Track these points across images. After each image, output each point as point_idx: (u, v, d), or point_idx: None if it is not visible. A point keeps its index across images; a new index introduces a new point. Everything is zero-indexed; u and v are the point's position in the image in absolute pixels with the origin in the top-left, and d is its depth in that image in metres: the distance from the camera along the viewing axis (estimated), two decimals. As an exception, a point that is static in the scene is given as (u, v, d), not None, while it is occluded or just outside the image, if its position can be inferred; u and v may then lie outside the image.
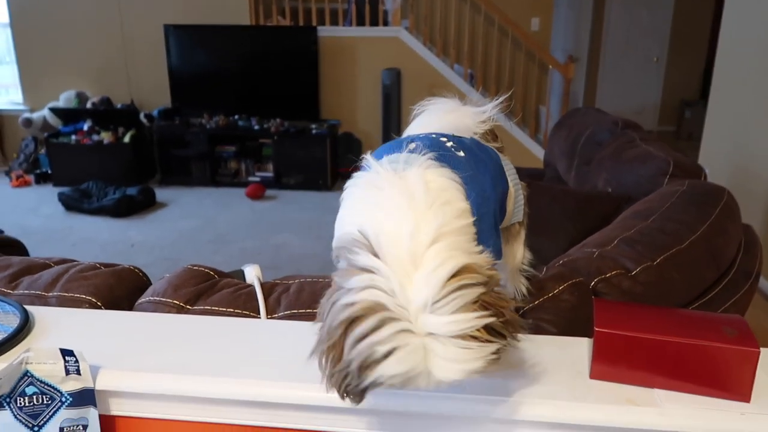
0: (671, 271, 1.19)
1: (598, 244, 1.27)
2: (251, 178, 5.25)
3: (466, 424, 0.73)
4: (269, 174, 5.26)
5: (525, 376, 0.76)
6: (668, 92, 7.48)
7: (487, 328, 0.57)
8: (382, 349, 0.54)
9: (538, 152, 5.18)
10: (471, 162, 0.75)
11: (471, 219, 0.65)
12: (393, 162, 0.68)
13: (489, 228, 0.72)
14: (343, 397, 0.61)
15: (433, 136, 0.78)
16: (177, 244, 4.00)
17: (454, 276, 0.56)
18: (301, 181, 5.14)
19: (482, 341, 0.56)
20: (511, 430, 0.73)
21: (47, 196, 4.83)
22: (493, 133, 0.93)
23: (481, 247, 0.63)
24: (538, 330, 0.98)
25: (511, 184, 0.83)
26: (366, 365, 0.55)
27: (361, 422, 0.76)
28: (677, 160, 1.86)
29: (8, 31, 5.50)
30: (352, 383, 0.58)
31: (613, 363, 0.73)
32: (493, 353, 0.57)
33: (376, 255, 0.57)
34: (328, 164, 5.08)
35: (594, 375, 0.74)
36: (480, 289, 0.57)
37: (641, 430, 0.69)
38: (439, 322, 0.55)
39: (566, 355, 0.81)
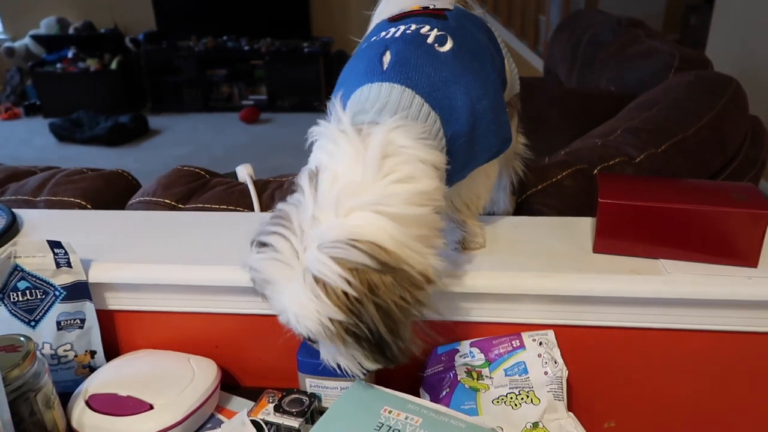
0: (676, 158, 1.15)
1: (601, 134, 1.23)
2: (245, 102, 5.13)
3: (466, 301, 0.72)
4: (263, 97, 5.13)
5: (527, 252, 0.74)
6: (673, -3, 7.17)
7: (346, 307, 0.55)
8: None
9: (538, 64, 5.02)
10: (461, 50, 0.67)
11: (428, 206, 0.58)
12: (360, 113, 0.62)
13: (488, 122, 0.66)
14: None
15: (413, 27, 0.68)
16: (173, 170, 3.95)
17: (357, 240, 0.54)
18: (295, 103, 5.02)
19: (341, 308, 0.54)
20: (516, 305, 0.72)
21: (38, 128, 4.73)
22: (465, 3, 0.85)
23: (429, 250, 0.58)
24: (539, 215, 0.95)
25: (504, 56, 0.78)
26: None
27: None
28: (683, 53, 1.79)
29: (-21, -45, 5.21)
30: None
31: (617, 236, 0.71)
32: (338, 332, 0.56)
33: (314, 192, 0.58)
34: (322, 84, 4.94)
35: (597, 249, 0.73)
36: (369, 264, 0.54)
37: (645, 299, 0.68)
38: (314, 257, 0.54)
39: (569, 233, 0.79)
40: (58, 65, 4.95)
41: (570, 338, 0.72)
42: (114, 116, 4.53)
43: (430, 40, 0.66)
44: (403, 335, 0.57)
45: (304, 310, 0.56)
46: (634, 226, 0.69)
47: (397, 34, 0.67)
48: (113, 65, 4.94)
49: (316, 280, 0.54)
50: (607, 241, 0.72)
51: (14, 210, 0.88)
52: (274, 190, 0.98)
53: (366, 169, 0.57)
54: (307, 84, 4.96)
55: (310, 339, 0.61)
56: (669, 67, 1.77)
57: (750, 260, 0.67)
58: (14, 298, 0.73)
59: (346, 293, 0.54)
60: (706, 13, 5.46)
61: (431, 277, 0.58)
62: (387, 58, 0.64)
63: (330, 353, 0.62)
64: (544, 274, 0.69)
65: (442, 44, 0.66)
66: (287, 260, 0.57)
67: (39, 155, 4.25)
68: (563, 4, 5.08)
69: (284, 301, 0.58)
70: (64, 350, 0.76)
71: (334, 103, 0.63)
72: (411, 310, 0.57)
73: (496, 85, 0.72)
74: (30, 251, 0.72)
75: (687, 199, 0.68)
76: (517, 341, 0.71)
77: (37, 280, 0.73)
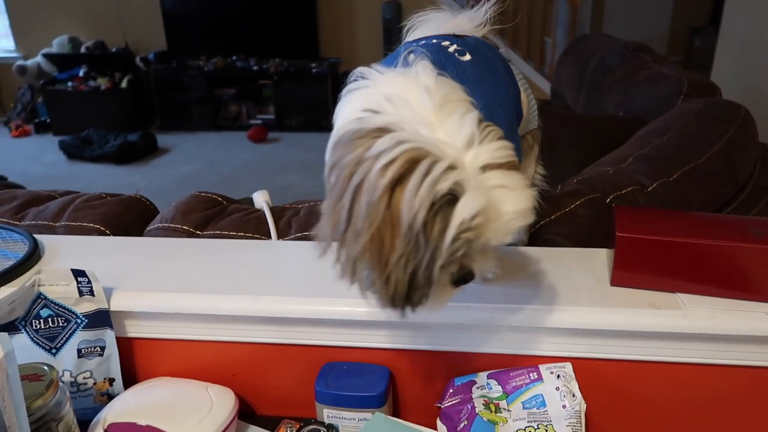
0: (688, 186, 1.16)
1: (612, 162, 1.24)
2: (252, 121, 5.17)
3: (485, 333, 0.73)
4: (271, 116, 5.17)
5: (544, 285, 0.75)
6: (678, 20, 7.22)
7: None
8: (444, 187, 0.48)
9: (544, 85, 5.06)
10: (480, 65, 0.71)
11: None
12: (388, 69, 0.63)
13: (510, 129, 0.69)
14: (406, 302, 0.53)
15: (434, 41, 0.73)
16: (182, 189, 3.98)
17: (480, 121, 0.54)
18: (303, 122, 5.06)
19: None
20: (534, 338, 0.72)
21: (48, 145, 4.77)
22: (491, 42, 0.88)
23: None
24: (553, 245, 0.96)
25: (522, 88, 0.80)
26: (435, 215, 0.48)
27: (378, 336, 0.75)
28: (691, 79, 1.80)
29: (-6, -24, 5.31)
30: (423, 260, 0.50)
31: (635, 269, 0.71)
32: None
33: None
34: (330, 104, 4.98)
35: (615, 282, 0.73)
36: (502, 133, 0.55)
37: (664, 333, 0.68)
38: (489, 150, 0.51)
39: (585, 264, 0.80)
40: (69, 83, 5.01)
41: (588, 371, 0.72)
42: (123, 134, 4.57)
43: (450, 50, 0.70)
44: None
45: (527, 204, 0.54)
46: (651, 260, 0.70)
47: (421, 43, 0.70)
48: (123, 84, 5.00)
49: (505, 167, 0.52)
50: (624, 275, 0.72)
51: (35, 236, 0.89)
52: (290, 217, 0.99)
53: (419, 86, 0.56)
54: (314, 104, 5.00)
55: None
56: (677, 93, 1.78)
57: (767, 296, 0.68)
58: (36, 326, 0.74)
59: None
60: (711, 35, 5.50)
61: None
62: (411, 57, 0.64)
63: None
64: (563, 307, 0.70)
65: (462, 55, 0.70)
66: (477, 185, 0.50)
67: (48, 172, 4.29)
68: (569, 27, 5.14)
69: (504, 217, 0.52)
70: (84, 378, 0.76)
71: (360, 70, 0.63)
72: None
73: (510, 107, 0.74)
74: (54, 279, 0.73)
75: (704, 234, 0.68)
76: (535, 374, 0.72)
77: (60, 308, 0.74)
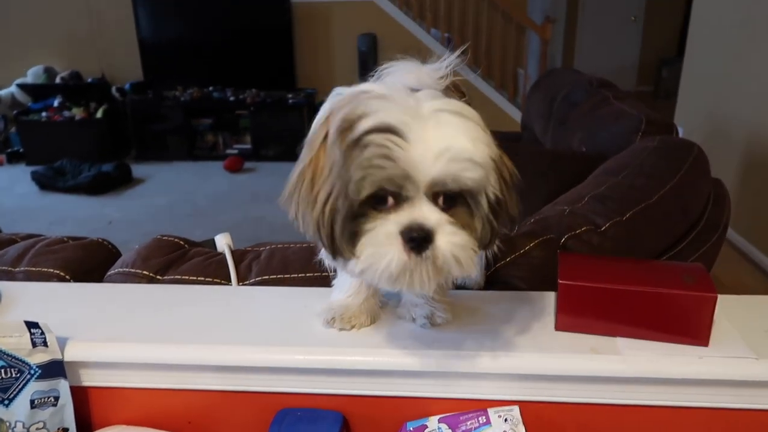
0: (640, 225, 1.20)
1: (569, 201, 1.28)
2: (229, 151, 5.19)
3: (436, 378, 0.75)
4: (247, 146, 5.19)
5: (492, 330, 0.77)
6: (646, 51, 7.47)
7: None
8: (366, 124, 0.56)
9: (517, 116, 5.17)
10: None
11: None
12: None
13: None
14: (340, 247, 0.59)
15: None
16: (156, 220, 3.96)
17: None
18: (279, 152, 5.09)
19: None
20: (482, 383, 0.74)
21: (20, 176, 4.72)
22: (457, 89, 0.92)
23: None
24: (508, 287, 0.99)
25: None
26: (353, 150, 0.56)
27: (333, 382, 0.77)
28: (649, 117, 1.87)
29: (-31, 6, 5.30)
30: (341, 193, 0.56)
31: (577, 314, 0.74)
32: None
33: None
34: (306, 134, 5.01)
35: (559, 326, 0.76)
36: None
37: (605, 377, 0.71)
38: (440, 101, 0.59)
39: (533, 308, 0.82)
40: (44, 114, 4.99)
41: (535, 414, 0.74)
42: (98, 165, 4.55)
43: None
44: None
45: (482, 141, 0.58)
46: (592, 305, 0.73)
47: None
48: (99, 114, 4.99)
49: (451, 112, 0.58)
50: (567, 320, 0.75)
51: (-7, 283, 0.89)
52: (251, 261, 1.00)
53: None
54: (291, 134, 5.04)
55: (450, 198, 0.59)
56: (636, 131, 1.84)
57: (701, 340, 0.71)
58: (-11, 377, 0.74)
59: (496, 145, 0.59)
60: (678, 65, 5.67)
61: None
62: None
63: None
64: (508, 352, 0.72)
65: None
66: (410, 108, 0.58)
67: (20, 204, 4.24)
68: (540, 59, 5.27)
69: (431, 133, 0.56)
70: (37, 428, 0.76)
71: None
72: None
73: None
74: (7, 331, 0.73)
75: (640, 281, 0.72)
76: (484, 417, 0.74)
77: (13, 359, 0.74)
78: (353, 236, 0.58)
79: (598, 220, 1.18)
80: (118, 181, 4.50)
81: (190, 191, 4.46)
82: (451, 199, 0.59)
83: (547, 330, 0.76)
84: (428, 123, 0.57)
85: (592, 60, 7.26)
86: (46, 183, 4.43)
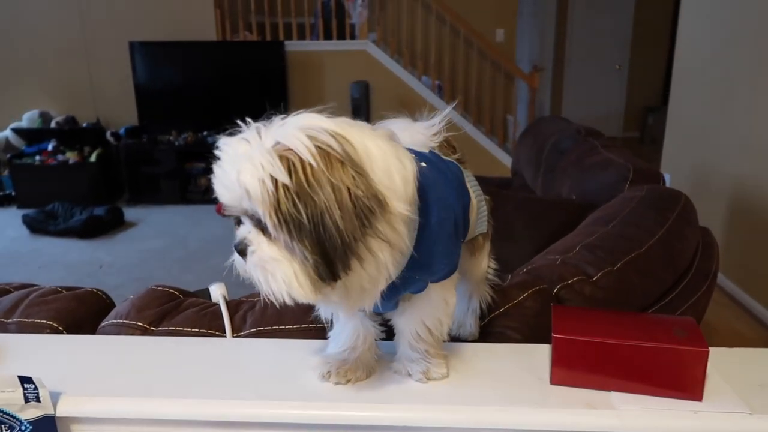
0: (631, 275, 1.22)
1: (560, 251, 1.29)
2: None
3: (430, 433, 0.74)
4: (240, 189, 5.21)
5: (487, 384, 0.78)
6: (632, 99, 7.66)
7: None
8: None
9: (507, 161, 5.25)
10: (433, 171, 0.77)
11: (399, 165, 0.65)
12: None
13: (447, 237, 0.74)
14: None
15: None
16: (147, 264, 3.93)
17: (332, 130, 0.62)
18: (272, 195, 5.11)
19: (295, 175, 0.59)
20: (475, 438, 0.74)
21: (11, 219, 4.71)
22: (450, 145, 0.94)
23: (394, 186, 0.64)
24: (503, 337, 0.99)
25: (473, 197, 0.85)
26: None
27: (328, 437, 0.76)
28: (637, 166, 1.92)
29: (-33, 51, 5.38)
30: None
31: (572, 368, 0.75)
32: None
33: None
34: (299, 178, 5.05)
35: (554, 380, 0.76)
36: (337, 150, 0.61)
37: (599, 433, 0.71)
38: (283, 130, 0.63)
39: (528, 361, 0.83)
40: (37, 157, 5.00)
41: (531, 470, 0.74)
42: (90, 208, 4.54)
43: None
44: (352, 239, 0.59)
45: (250, 165, 0.60)
46: (586, 359, 0.74)
47: None
48: (92, 158, 5.02)
49: (276, 146, 0.60)
50: (562, 373, 0.75)
51: (-15, 335, 0.89)
52: (246, 312, 1.00)
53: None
54: (284, 178, 5.08)
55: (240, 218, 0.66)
56: (624, 179, 1.89)
57: (694, 394, 0.72)
58: (-22, 434, 0.73)
59: (305, 166, 0.59)
60: (663, 113, 5.81)
61: (389, 204, 0.62)
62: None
63: (262, 247, 0.64)
64: (503, 408, 0.72)
65: (420, 160, 0.75)
66: (247, 137, 0.64)
67: (9, 247, 4.21)
68: (529, 106, 5.40)
69: (228, 161, 0.63)
70: (25, 487, 0.75)
71: None
72: (364, 217, 0.59)
73: (458, 212, 0.79)
74: (0, 386, 0.72)
75: (632, 335, 0.73)
76: (480, 474, 0.73)
77: (4, 415, 0.73)
78: None
79: (589, 269, 1.19)
80: (110, 225, 4.49)
81: (183, 235, 4.45)
82: (258, 222, 0.63)
83: (542, 384, 0.77)
84: (231, 154, 0.64)
85: (580, 107, 7.45)
86: (36, 226, 4.41)
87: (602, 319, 0.78)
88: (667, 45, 7.28)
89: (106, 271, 3.79)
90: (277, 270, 0.63)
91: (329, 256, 0.60)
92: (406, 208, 0.64)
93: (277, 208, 0.59)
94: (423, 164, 0.75)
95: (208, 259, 3.96)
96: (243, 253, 0.67)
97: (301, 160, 0.59)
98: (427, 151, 0.86)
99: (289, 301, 0.64)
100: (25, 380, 0.73)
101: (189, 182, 5.23)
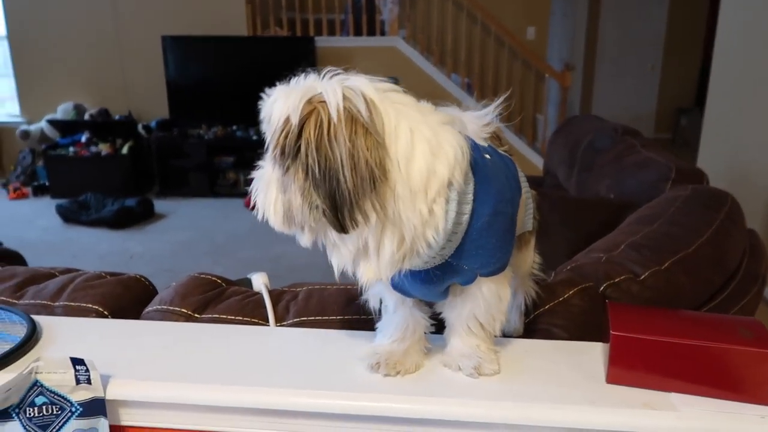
0: (679, 276, 1.18)
1: (604, 249, 1.26)
2: (249, 189, 5.23)
3: (482, 429, 0.73)
4: (268, 184, 5.24)
5: (540, 381, 0.76)
6: (663, 100, 7.52)
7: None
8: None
9: (536, 160, 5.19)
10: (495, 165, 0.76)
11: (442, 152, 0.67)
12: None
13: (502, 231, 0.72)
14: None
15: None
16: (176, 256, 3.98)
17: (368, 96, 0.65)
18: (299, 190, 5.13)
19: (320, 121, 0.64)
20: (528, 436, 0.72)
21: (45, 209, 4.80)
22: (497, 137, 0.93)
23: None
24: (548, 334, 0.97)
25: (523, 192, 0.83)
26: None
27: (373, 429, 0.75)
28: (679, 165, 1.87)
29: (5, 44, 5.50)
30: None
31: (630, 367, 0.72)
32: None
33: None
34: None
35: (610, 379, 0.74)
36: (363, 114, 0.63)
37: (659, 434, 0.69)
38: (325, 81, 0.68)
39: (580, 359, 0.81)
40: (71, 149, 5.10)
41: (584, 470, 0.72)
42: (121, 199, 4.61)
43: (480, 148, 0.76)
44: (361, 194, 0.62)
45: (285, 98, 0.65)
46: (645, 359, 0.71)
47: None
48: (124, 150, 5.09)
49: (315, 95, 0.64)
50: (619, 372, 0.73)
51: (34, 317, 0.90)
52: (288, 302, 1.00)
53: None
54: (311, 173, 5.09)
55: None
56: (666, 179, 1.84)
57: (761, 398, 0.69)
58: (30, 414, 0.73)
59: (330, 122, 0.62)
60: (696, 114, 5.67)
61: (390, 173, 0.64)
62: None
63: (280, 181, 0.67)
64: (558, 405, 0.70)
65: (485, 153, 0.75)
66: (294, 86, 0.68)
67: (43, 237, 4.29)
68: (560, 105, 5.33)
69: (280, 89, 0.68)
70: (74, 468, 0.75)
71: None
72: (371, 182, 0.63)
73: (515, 206, 0.77)
74: (52, 367, 0.73)
75: (696, 335, 0.70)
76: (532, 473, 0.71)
77: (56, 396, 0.74)
78: None
79: (636, 268, 1.16)
80: (141, 216, 4.55)
81: (210, 228, 4.49)
82: (283, 157, 0.66)
83: (597, 383, 0.74)
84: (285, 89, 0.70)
85: (610, 107, 7.32)
86: (69, 216, 4.49)
87: (661, 317, 0.76)
88: (701, 45, 7.13)
89: (136, 261, 3.84)
90: (262, 191, 0.71)
91: (337, 207, 0.64)
92: (409, 195, 0.65)
93: (283, 144, 0.65)
94: (487, 156, 0.74)
95: (235, 252, 3.99)
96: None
97: (329, 116, 0.63)
98: (478, 141, 0.84)
99: (268, 222, 0.72)
100: (76, 362, 0.73)
101: (218, 176, 5.27)
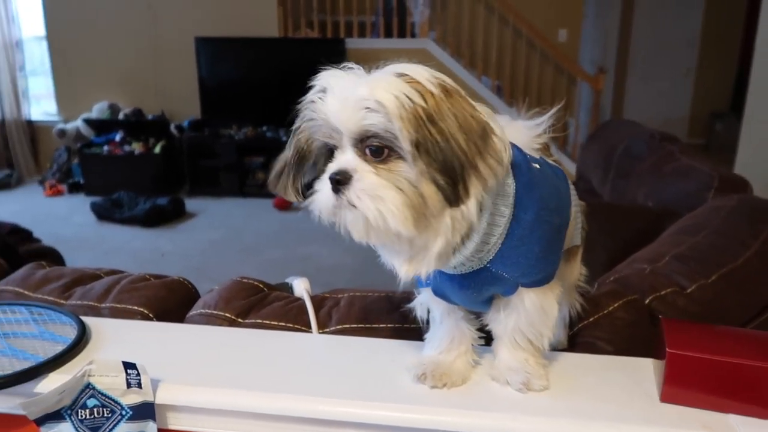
0: (727, 289, 1.15)
1: (648, 260, 1.24)
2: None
3: (532, 446, 0.71)
4: (296, 185, 5.27)
5: (591, 397, 0.74)
6: (697, 104, 7.35)
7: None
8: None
9: (568, 165, 5.12)
10: (543, 174, 0.75)
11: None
12: None
13: (544, 240, 0.70)
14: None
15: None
16: (206, 255, 4.02)
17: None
18: (327, 192, 5.14)
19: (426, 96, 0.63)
20: (579, 454, 0.71)
21: (79, 206, 4.90)
22: (547, 148, 0.91)
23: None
24: (593, 348, 0.95)
25: (573, 206, 0.82)
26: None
27: (420, 441, 0.74)
28: (722, 174, 1.82)
29: (44, 44, 5.64)
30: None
31: (686, 386, 0.70)
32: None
33: None
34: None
35: (664, 398, 0.72)
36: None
37: (717, 457, 0.67)
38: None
39: (630, 376, 0.79)
40: (105, 147, 5.20)
41: (637, 491, 0.70)
42: (153, 198, 4.69)
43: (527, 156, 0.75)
44: (474, 160, 0.61)
45: (385, 83, 0.62)
46: (703, 378, 0.69)
47: None
48: (157, 149, 5.17)
49: (401, 74, 0.63)
50: (675, 391, 0.71)
51: (82, 318, 0.91)
52: (330, 308, 1.00)
53: None
54: (340, 175, 5.11)
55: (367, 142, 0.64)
56: (708, 188, 1.79)
57: (825, 422, 0.66)
58: (81, 416, 0.74)
59: (433, 94, 0.61)
60: (732, 119, 5.54)
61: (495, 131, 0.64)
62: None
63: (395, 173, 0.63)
64: (612, 424, 0.69)
65: (533, 162, 0.74)
66: (352, 72, 0.66)
67: (78, 233, 4.38)
68: (593, 109, 5.25)
69: (350, 82, 0.65)
70: (123, 470, 0.76)
71: None
72: (481, 140, 0.62)
73: (563, 216, 0.76)
74: (104, 370, 0.74)
75: (756, 354, 0.68)
76: (582, 491, 0.70)
77: (107, 399, 0.75)
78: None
79: (682, 281, 1.13)
80: (172, 215, 4.61)
81: (240, 227, 4.53)
82: (379, 150, 0.63)
83: (651, 401, 0.73)
84: (350, 78, 0.66)
85: (642, 111, 7.17)
86: (103, 214, 4.58)
87: (719, 334, 0.73)
88: (737, 49, 6.95)
89: (167, 260, 3.90)
90: (387, 196, 0.63)
91: (455, 178, 0.62)
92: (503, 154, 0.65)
93: (416, 124, 0.61)
94: (536, 165, 0.73)
95: (263, 252, 4.02)
96: (342, 182, 0.65)
97: (427, 89, 0.62)
98: (528, 152, 0.83)
99: (391, 229, 0.63)
100: (128, 366, 0.74)
101: (247, 176, 5.32)
